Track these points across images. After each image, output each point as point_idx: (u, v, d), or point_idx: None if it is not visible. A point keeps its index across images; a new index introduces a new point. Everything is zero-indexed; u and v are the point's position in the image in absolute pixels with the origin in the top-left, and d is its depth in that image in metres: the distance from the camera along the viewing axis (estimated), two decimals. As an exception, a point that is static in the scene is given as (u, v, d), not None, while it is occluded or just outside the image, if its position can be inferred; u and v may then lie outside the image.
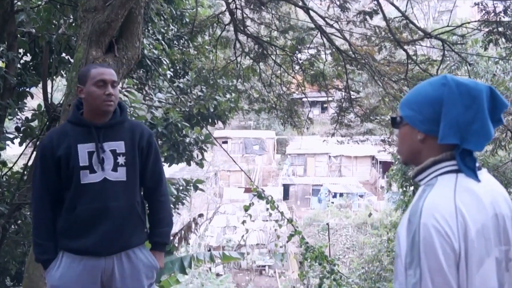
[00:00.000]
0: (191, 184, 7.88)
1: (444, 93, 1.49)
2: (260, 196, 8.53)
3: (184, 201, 7.74)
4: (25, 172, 6.01)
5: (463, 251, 1.36)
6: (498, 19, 5.31)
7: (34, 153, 5.97)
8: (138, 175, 2.75)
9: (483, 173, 1.54)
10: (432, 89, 1.53)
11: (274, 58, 7.57)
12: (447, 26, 5.96)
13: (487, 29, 5.44)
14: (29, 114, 6.05)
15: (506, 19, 5.32)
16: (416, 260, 1.37)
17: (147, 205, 2.91)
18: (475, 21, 5.51)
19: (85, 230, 2.61)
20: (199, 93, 8.42)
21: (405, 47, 6.11)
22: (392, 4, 5.68)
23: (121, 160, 2.67)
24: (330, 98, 9.13)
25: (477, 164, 1.51)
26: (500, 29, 5.36)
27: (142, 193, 2.86)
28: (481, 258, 1.39)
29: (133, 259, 2.69)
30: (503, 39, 5.56)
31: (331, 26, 6.35)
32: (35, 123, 5.95)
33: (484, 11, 5.29)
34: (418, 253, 1.37)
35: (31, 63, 6.14)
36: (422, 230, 1.37)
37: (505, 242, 1.49)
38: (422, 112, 1.52)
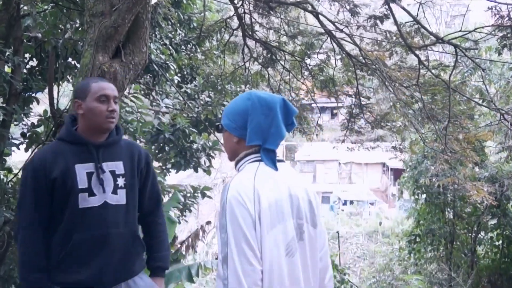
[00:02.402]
0: (199, 191, 7.87)
1: (249, 106, 2.01)
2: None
3: (191, 208, 7.72)
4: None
5: (257, 216, 1.85)
6: (512, 24, 5.28)
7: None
8: (137, 198, 2.61)
9: (285, 166, 2.10)
10: (241, 102, 2.06)
11: (283, 63, 7.58)
12: (460, 31, 5.93)
13: (501, 34, 5.41)
14: (35, 120, 6.07)
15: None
16: (224, 225, 1.84)
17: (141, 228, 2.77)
18: (489, 26, 5.48)
19: (84, 262, 2.40)
20: (207, 99, 8.43)
21: (417, 52, 6.08)
22: (403, 8, 5.66)
23: (120, 181, 2.51)
24: (340, 104, 9.10)
25: (278, 158, 2.06)
26: (515, 33, 5.34)
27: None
28: (272, 222, 1.89)
29: (132, 286, 2.55)
30: (518, 44, 5.53)
31: (341, 31, 6.34)
32: (41, 129, 5.97)
33: (498, 16, 5.26)
34: (225, 219, 1.84)
35: (37, 68, 6.16)
36: (228, 201, 1.86)
37: (298, 217, 2.01)
38: (235, 121, 2.05)
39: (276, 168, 2.02)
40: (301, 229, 2.02)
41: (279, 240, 1.90)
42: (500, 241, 10.85)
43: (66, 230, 2.38)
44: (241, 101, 2.06)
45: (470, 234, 11.22)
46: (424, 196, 11.44)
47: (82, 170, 2.41)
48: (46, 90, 5.85)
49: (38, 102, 6.32)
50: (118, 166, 2.52)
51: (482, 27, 5.54)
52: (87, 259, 2.40)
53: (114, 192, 2.47)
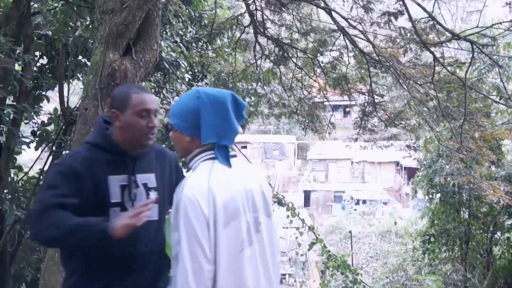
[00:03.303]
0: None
1: (199, 104, 2.01)
2: (280, 202, 8.50)
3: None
4: (41, 177, 6.07)
5: (212, 216, 1.87)
6: (530, 19, 5.23)
7: (50, 158, 6.05)
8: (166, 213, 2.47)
9: (237, 161, 2.13)
10: (190, 101, 2.05)
11: (295, 61, 7.56)
12: (477, 27, 5.87)
13: (519, 30, 5.36)
14: (45, 118, 6.12)
15: (540, 19, 5.23)
16: (178, 224, 1.87)
17: None
18: (507, 22, 5.43)
19: (111, 280, 2.26)
20: (218, 97, 8.45)
21: (432, 49, 6.03)
22: (418, 4, 5.61)
23: (152, 196, 2.34)
24: (353, 102, 9.08)
25: (231, 154, 2.09)
26: (533, 29, 5.28)
27: None
28: (227, 220, 1.91)
29: None
30: (536, 41, 5.47)
31: (354, 27, 6.31)
32: (51, 127, 6.02)
33: (516, 11, 5.21)
34: (178, 219, 1.87)
35: (47, 66, 6.20)
36: (182, 201, 1.88)
37: (254, 210, 2.07)
38: (186, 121, 2.04)
39: (229, 165, 2.05)
40: (257, 221, 2.09)
41: (233, 237, 1.94)
42: (517, 242, 10.76)
43: (98, 248, 2.16)
44: (190, 99, 2.05)
45: (486, 235, 11.14)
46: (438, 195, 11.38)
47: (115, 182, 2.26)
48: (57, 88, 5.90)
49: (48, 100, 6.36)
50: (151, 179, 2.39)
51: (500, 23, 5.48)
52: (114, 278, 2.26)
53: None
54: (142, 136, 2.29)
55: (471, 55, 5.94)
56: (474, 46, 5.69)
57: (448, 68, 6.44)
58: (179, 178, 2.51)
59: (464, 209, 11.20)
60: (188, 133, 2.05)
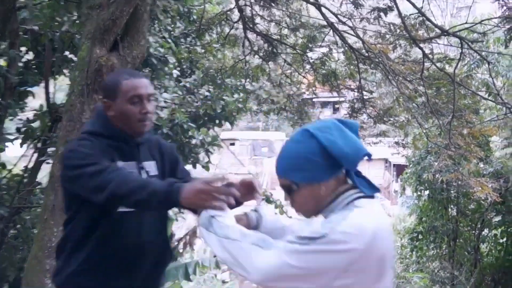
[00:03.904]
0: (197, 188, 7.88)
1: (320, 141, 1.64)
2: (268, 200, 8.52)
3: (190, 205, 7.72)
4: (25, 175, 6.02)
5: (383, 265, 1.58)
6: (519, 16, 5.28)
7: (35, 156, 6.00)
8: None
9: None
10: (307, 145, 1.67)
11: (284, 57, 7.58)
12: (466, 23, 5.92)
13: (508, 26, 5.40)
14: (30, 115, 6.06)
15: (529, 15, 5.28)
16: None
17: None
18: (496, 18, 5.47)
19: (116, 269, 2.20)
20: (206, 93, 8.41)
21: (421, 45, 6.07)
22: (408, 0, 5.65)
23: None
24: (342, 99, 9.13)
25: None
26: (522, 25, 5.33)
27: None
28: (388, 269, 1.62)
29: None
30: (526, 37, 5.53)
31: (344, 23, 6.34)
32: (36, 124, 5.96)
33: (505, 7, 5.26)
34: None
35: (33, 62, 6.15)
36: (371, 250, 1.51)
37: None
38: (317, 167, 1.65)
39: (377, 191, 1.75)
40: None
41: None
42: (505, 239, 10.87)
43: (101, 235, 2.15)
44: (305, 142, 1.68)
45: (473, 232, 11.24)
46: (427, 192, 11.45)
47: (126, 168, 2.17)
48: (42, 84, 5.85)
49: (34, 97, 6.31)
50: (152, 167, 2.31)
51: (489, 19, 5.53)
52: (118, 266, 2.20)
53: None
54: (135, 124, 2.20)
55: (460, 51, 5.99)
56: (463, 42, 5.74)
57: (437, 64, 6.48)
58: (180, 171, 2.47)
59: (452, 206, 11.29)
60: (326, 178, 1.67)
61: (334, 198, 1.67)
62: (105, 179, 1.96)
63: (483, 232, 11.16)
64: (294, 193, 1.72)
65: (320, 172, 1.66)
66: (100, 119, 2.27)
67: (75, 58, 5.41)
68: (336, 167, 1.66)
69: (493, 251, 11.19)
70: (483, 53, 6.95)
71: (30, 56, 6.12)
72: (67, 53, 5.89)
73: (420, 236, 11.76)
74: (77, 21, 5.32)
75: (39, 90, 6.21)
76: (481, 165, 10.04)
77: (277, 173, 1.78)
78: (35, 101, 6.31)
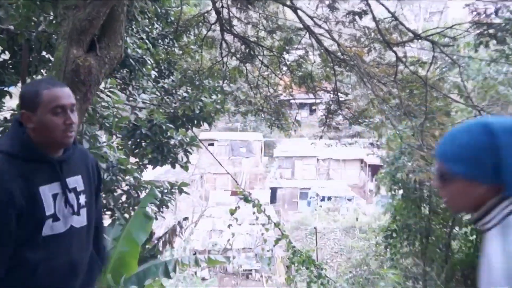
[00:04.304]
0: (176, 187, 7.83)
1: (497, 142, 1.47)
2: (246, 199, 8.52)
3: (168, 204, 7.68)
4: None
5: None
6: (488, 21, 5.34)
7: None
8: (94, 215, 2.31)
9: None
10: (479, 139, 1.50)
11: (261, 59, 7.57)
12: (438, 27, 5.98)
13: (477, 31, 5.47)
14: (7, 115, 5.97)
15: (497, 21, 5.35)
16: None
17: None
18: (466, 23, 5.54)
19: None
20: (184, 94, 8.39)
21: (395, 48, 6.12)
22: (382, 4, 5.69)
23: (82, 199, 2.18)
24: (318, 100, 9.15)
25: None
26: (491, 31, 5.40)
27: None
28: None
29: None
30: (494, 41, 5.59)
31: (320, 26, 6.35)
32: (13, 124, 5.86)
33: (475, 13, 5.32)
34: None
35: (9, 62, 6.06)
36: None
37: None
38: (480, 166, 1.49)
39: None
40: None
41: None
42: (474, 236, 11.01)
43: (29, 260, 2.02)
44: (479, 136, 1.52)
45: (445, 229, 11.37)
46: (400, 191, 11.55)
47: (47, 193, 2.05)
48: (19, 84, 5.75)
49: (11, 96, 6.22)
50: (79, 182, 2.20)
51: (460, 24, 5.59)
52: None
53: (77, 213, 2.16)
54: (59, 135, 2.04)
55: (432, 55, 6.05)
56: (435, 46, 5.80)
57: (410, 67, 6.53)
58: (98, 182, 2.39)
59: (424, 205, 11.41)
60: (486, 182, 1.51)
61: (490, 208, 1.52)
62: None
63: (454, 230, 11.30)
64: (447, 183, 1.60)
65: (483, 173, 1.50)
66: (17, 137, 2.07)
67: (52, 58, 5.33)
68: (496, 176, 1.49)
69: (463, 248, 11.33)
70: (454, 57, 7.03)
71: (6, 56, 6.03)
72: (44, 53, 5.82)
73: (394, 234, 11.87)
74: (54, 21, 5.24)
75: (16, 90, 6.12)
76: (452, 165, 10.16)
77: (438, 156, 1.63)
78: (12, 101, 6.21)
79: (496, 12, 5.28)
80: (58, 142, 2.08)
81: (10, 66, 6.11)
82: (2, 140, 2.12)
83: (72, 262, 2.15)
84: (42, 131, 2.04)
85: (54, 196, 2.06)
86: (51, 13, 5.29)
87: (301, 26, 6.59)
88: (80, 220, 2.17)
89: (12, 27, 5.34)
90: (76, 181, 2.18)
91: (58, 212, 2.07)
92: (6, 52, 5.85)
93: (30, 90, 2.09)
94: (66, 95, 2.07)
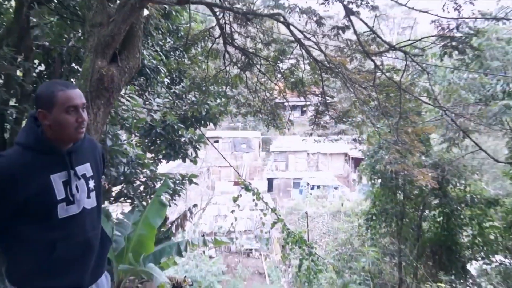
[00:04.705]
0: (186, 178, 7.85)
1: None
2: (247, 188, 8.54)
3: (180, 193, 7.70)
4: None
5: None
6: (451, 35, 5.37)
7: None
8: (102, 197, 2.31)
9: None
10: None
11: (258, 67, 7.56)
12: (409, 40, 6.00)
13: (442, 43, 5.49)
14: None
15: (458, 34, 5.37)
16: None
17: None
18: (433, 36, 5.56)
19: (68, 267, 2.09)
20: (193, 99, 8.39)
21: (373, 58, 6.13)
22: (362, 20, 5.70)
23: (91, 184, 2.19)
24: (308, 103, 9.13)
25: None
26: (453, 43, 5.42)
27: None
28: None
29: (100, 286, 2.31)
30: (456, 52, 5.62)
31: (309, 39, 6.34)
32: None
33: (440, 28, 5.35)
34: None
35: (45, 72, 6.07)
36: None
37: None
38: None
39: None
40: None
41: None
42: (441, 218, 11.06)
43: (48, 240, 2.01)
44: None
45: (417, 212, 11.42)
46: (379, 181, 11.59)
47: (58, 180, 2.04)
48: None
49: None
50: (87, 169, 2.19)
51: (427, 37, 5.62)
52: (71, 265, 2.10)
53: (88, 196, 2.17)
54: (72, 131, 2.06)
55: (405, 63, 6.07)
56: (407, 56, 5.82)
57: (387, 74, 6.54)
58: (102, 169, 2.38)
59: (399, 192, 11.45)
60: None
61: None
62: None
63: (424, 213, 11.35)
64: None
65: None
66: (31, 132, 2.07)
67: (80, 69, 5.36)
68: None
69: (432, 228, 11.38)
70: (424, 65, 7.05)
71: (42, 67, 6.04)
72: (73, 64, 5.83)
73: (373, 217, 11.91)
74: (82, 37, 5.26)
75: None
76: (423, 157, 10.20)
77: None
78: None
79: (457, 28, 5.30)
80: (71, 137, 2.08)
81: (45, 76, 6.12)
82: (19, 134, 2.11)
83: (87, 239, 2.15)
84: (57, 128, 2.04)
85: (65, 183, 2.06)
86: (80, 31, 5.32)
87: (293, 39, 6.58)
88: (90, 202, 2.18)
89: (47, 43, 5.36)
90: (85, 168, 2.17)
91: (71, 196, 2.07)
92: (42, 64, 5.87)
93: (46, 91, 2.06)
94: (78, 96, 2.07)
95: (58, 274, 2.05)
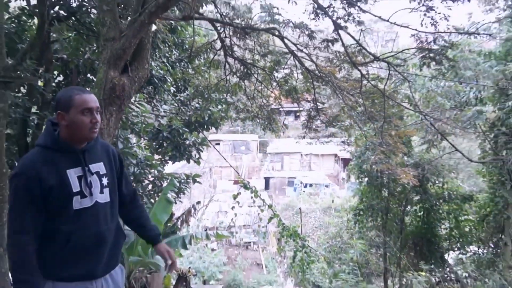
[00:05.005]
0: (191, 178, 7.86)
1: None
2: (246, 187, 8.56)
3: (185, 191, 7.71)
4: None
5: None
6: (429, 47, 5.42)
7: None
8: (117, 194, 2.30)
9: None
10: None
11: (256, 76, 7.58)
12: (392, 52, 6.05)
13: (421, 55, 5.54)
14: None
15: (435, 47, 5.42)
16: None
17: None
18: (413, 48, 5.60)
19: (82, 257, 2.09)
20: (196, 105, 8.41)
21: (360, 67, 6.17)
22: (349, 34, 5.75)
23: (104, 181, 2.19)
24: (301, 108, 9.16)
25: None
26: (431, 54, 5.47)
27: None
28: None
29: (114, 277, 2.26)
30: (434, 63, 5.67)
31: (301, 51, 6.38)
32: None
33: (419, 41, 5.40)
34: None
35: (63, 82, 6.08)
36: None
37: None
38: None
39: None
40: None
41: None
42: (422, 212, 11.09)
43: (63, 231, 2.03)
44: None
45: (400, 208, 11.43)
46: (366, 179, 11.58)
47: (73, 175, 2.06)
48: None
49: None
50: (101, 167, 2.20)
51: (408, 49, 5.66)
52: (84, 255, 2.09)
53: (101, 191, 2.17)
54: (86, 131, 2.09)
55: (388, 73, 6.11)
56: (390, 66, 5.86)
57: (372, 82, 6.58)
58: (121, 168, 2.38)
59: (384, 189, 11.45)
60: None
61: None
62: (11, 242, 1.98)
63: (406, 208, 11.37)
64: None
65: None
66: (48, 135, 2.11)
67: (94, 79, 5.39)
68: None
69: (414, 222, 11.40)
70: (405, 74, 7.09)
71: (61, 78, 6.06)
72: (88, 75, 5.86)
73: (361, 212, 11.90)
74: (96, 51, 5.29)
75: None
76: (405, 158, 10.23)
77: None
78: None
79: (434, 41, 5.35)
80: (86, 136, 2.11)
81: (64, 86, 6.14)
82: (39, 137, 2.15)
83: (100, 232, 2.14)
84: (73, 127, 2.07)
85: (79, 178, 2.08)
86: (95, 45, 5.35)
87: (287, 51, 6.61)
88: (104, 197, 2.17)
89: (65, 56, 5.39)
90: (98, 167, 2.19)
91: (85, 190, 2.08)
92: (61, 75, 5.89)
93: (65, 95, 2.10)
94: (93, 100, 2.10)
95: (72, 263, 2.06)
